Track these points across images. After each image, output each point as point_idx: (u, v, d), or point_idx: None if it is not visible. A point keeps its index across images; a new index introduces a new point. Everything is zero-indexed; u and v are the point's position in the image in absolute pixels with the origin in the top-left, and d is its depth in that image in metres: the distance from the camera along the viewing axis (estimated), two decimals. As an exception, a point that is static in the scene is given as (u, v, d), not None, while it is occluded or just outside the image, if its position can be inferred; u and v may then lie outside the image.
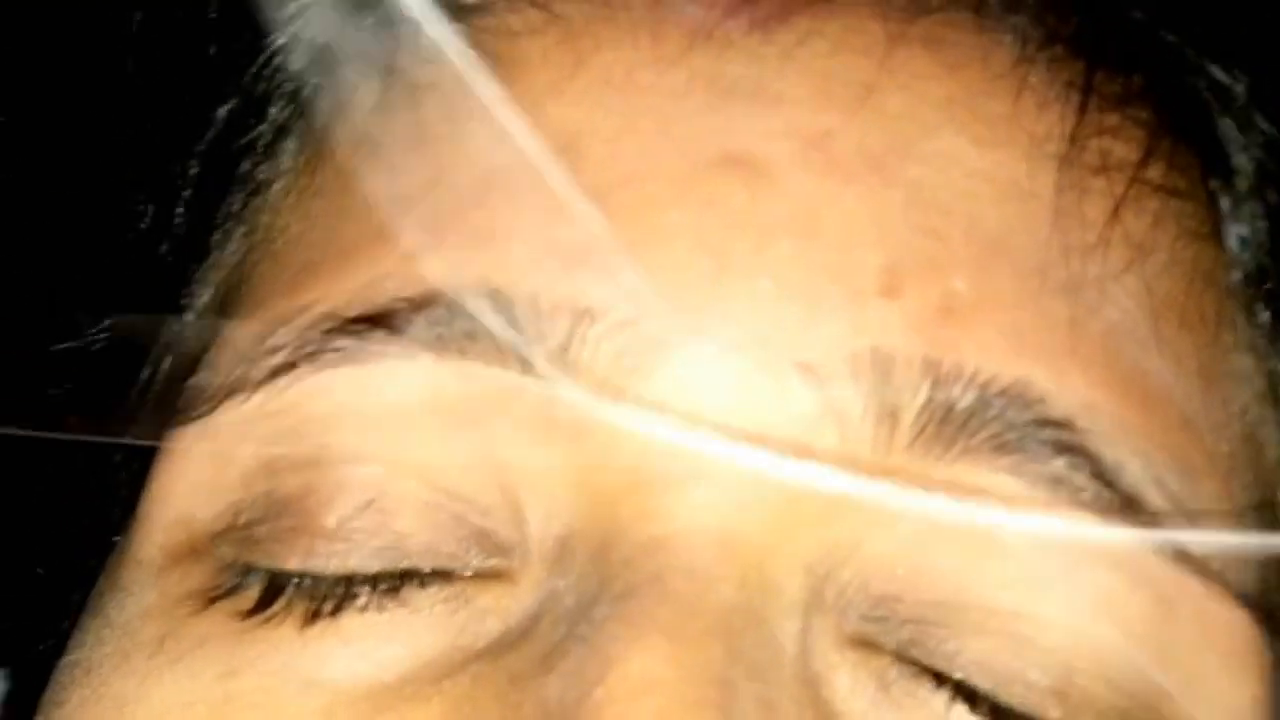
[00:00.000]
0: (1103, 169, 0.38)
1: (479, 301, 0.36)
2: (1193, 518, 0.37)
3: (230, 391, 0.38)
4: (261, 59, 0.43)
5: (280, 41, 0.43)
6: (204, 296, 0.43)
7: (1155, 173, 0.39)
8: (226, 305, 0.42)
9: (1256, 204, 0.41)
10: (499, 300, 0.36)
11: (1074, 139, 0.38)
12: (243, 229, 0.43)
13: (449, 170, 0.38)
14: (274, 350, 0.37)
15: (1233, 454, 0.39)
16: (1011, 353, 0.36)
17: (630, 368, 0.35)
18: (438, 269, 0.36)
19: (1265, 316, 0.41)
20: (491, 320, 0.36)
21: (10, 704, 0.52)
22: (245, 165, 0.43)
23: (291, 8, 0.42)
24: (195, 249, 0.43)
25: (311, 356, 0.37)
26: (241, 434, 0.38)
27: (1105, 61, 0.39)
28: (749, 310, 0.36)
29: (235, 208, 0.43)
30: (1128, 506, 0.36)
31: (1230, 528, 0.38)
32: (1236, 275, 0.41)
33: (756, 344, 0.36)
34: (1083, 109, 0.38)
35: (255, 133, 0.43)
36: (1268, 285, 0.41)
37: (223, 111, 0.43)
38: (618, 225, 0.36)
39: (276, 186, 0.42)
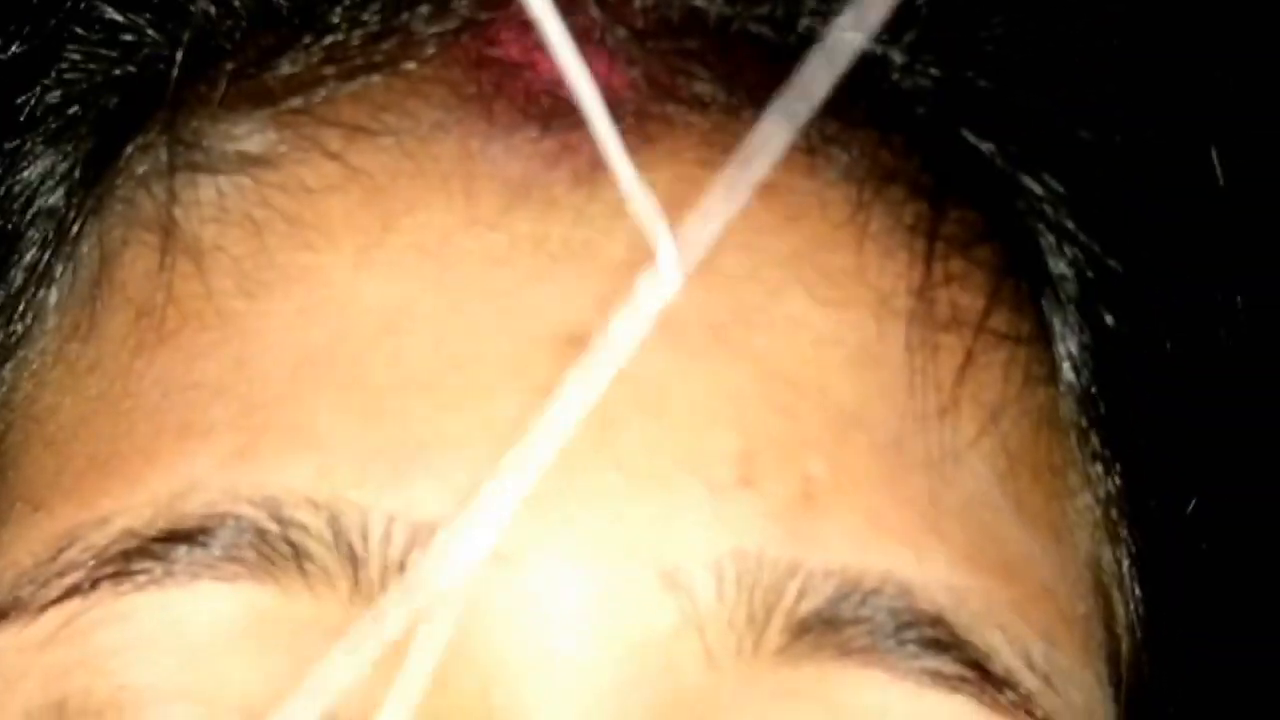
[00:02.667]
0: (952, 323, 0.36)
1: (304, 515, 0.32)
2: (1061, 689, 0.36)
3: (9, 612, 0.33)
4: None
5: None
6: None
7: (999, 320, 0.37)
8: None
9: (1082, 317, 0.39)
10: (324, 514, 0.32)
11: (921, 292, 0.36)
12: None
13: (254, 356, 0.34)
14: (66, 570, 0.33)
15: (1087, 613, 0.38)
16: (874, 539, 0.34)
17: (471, 586, 0.32)
18: (253, 478, 0.33)
19: (1096, 444, 0.39)
20: (317, 538, 0.32)
21: None
22: None
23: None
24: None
25: (113, 578, 0.33)
26: (24, 667, 0.33)
27: (945, 199, 0.37)
28: (602, 512, 0.33)
29: None
30: (1002, 689, 0.34)
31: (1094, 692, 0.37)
32: (1071, 408, 0.39)
33: (612, 552, 0.33)
34: (929, 257, 0.36)
35: (8, 272, 0.38)
36: (1095, 411, 0.39)
37: None
38: (451, 419, 0.33)
39: (38, 348, 0.38)
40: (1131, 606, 0.40)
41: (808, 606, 0.33)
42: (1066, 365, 0.39)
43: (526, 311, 0.34)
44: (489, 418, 0.33)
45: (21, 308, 0.38)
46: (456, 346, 0.34)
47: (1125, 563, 0.40)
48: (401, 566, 0.32)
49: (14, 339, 0.38)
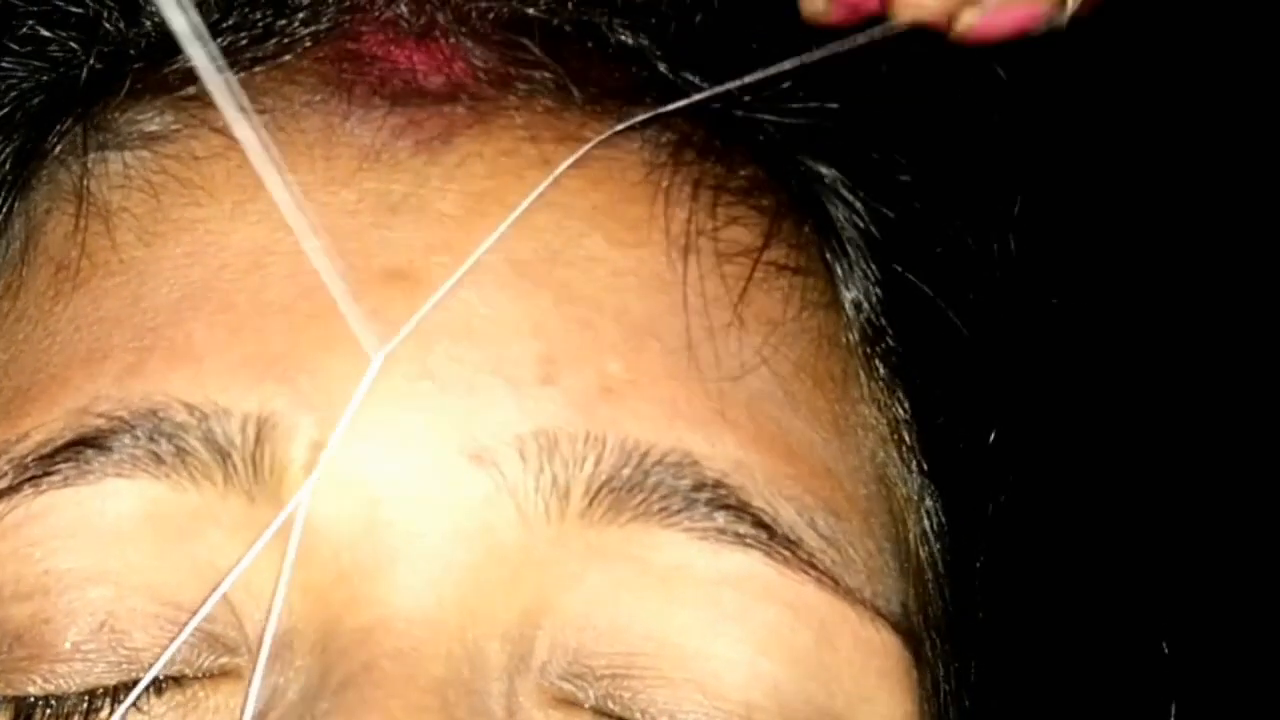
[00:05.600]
0: (733, 255, 0.43)
1: (181, 417, 0.39)
2: (842, 551, 0.42)
3: None
4: None
5: None
6: None
7: (777, 254, 0.44)
8: None
9: (865, 270, 0.46)
10: (197, 416, 0.39)
11: (707, 232, 0.43)
12: None
13: (148, 292, 0.41)
14: None
15: (869, 495, 0.44)
16: (666, 423, 0.40)
17: (323, 468, 0.39)
18: (142, 389, 0.40)
19: (881, 370, 0.46)
20: (194, 436, 0.39)
21: None
22: None
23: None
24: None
25: (33, 480, 0.39)
26: None
27: (726, 160, 0.45)
28: (416, 413, 0.40)
29: None
30: (788, 547, 0.41)
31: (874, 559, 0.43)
32: (854, 336, 0.46)
33: (426, 442, 0.39)
34: (713, 205, 0.44)
35: None
36: (881, 343, 0.46)
37: None
38: (300, 336, 0.40)
39: None
40: (927, 517, 0.46)
41: (604, 472, 0.39)
42: (849, 301, 0.46)
43: (365, 251, 0.41)
44: (329, 336, 0.40)
45: None
46: (307, 279, 0.40)
47: (918, 478, 0.47)
48: (256, 458, 0.39)
49: None
